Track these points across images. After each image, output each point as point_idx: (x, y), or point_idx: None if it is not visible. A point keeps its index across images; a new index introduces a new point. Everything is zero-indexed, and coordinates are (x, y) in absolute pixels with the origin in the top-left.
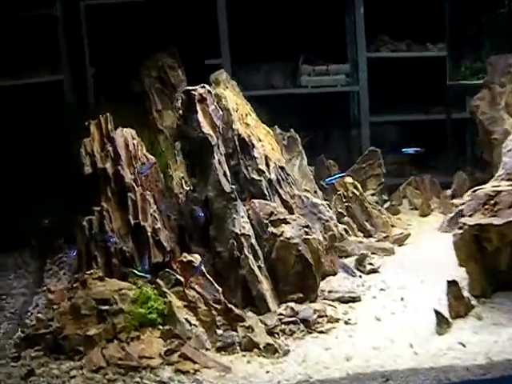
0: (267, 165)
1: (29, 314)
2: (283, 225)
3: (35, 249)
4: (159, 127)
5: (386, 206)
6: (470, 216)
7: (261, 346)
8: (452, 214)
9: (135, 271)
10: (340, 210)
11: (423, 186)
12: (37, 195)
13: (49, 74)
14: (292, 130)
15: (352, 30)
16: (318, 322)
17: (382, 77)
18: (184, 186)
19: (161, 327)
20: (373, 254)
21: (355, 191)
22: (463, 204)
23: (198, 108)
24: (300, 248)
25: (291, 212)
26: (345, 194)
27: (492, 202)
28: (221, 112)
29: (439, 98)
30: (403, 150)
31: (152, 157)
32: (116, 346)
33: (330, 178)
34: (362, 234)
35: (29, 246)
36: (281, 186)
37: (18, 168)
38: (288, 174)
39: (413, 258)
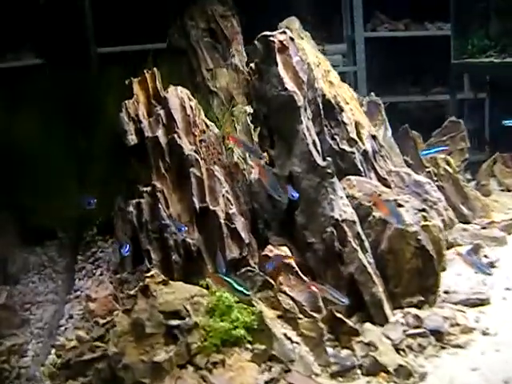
0: (358, 133)
1: (62, 329)
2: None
3: (63, 242)
4: (212, 89)
5: (472, 186)
6: None
7: (390, 369)
8: None
9: (234, 283)
10: None
11: None
12: (62, 175)
13: None
14: (373, 93)
15: (349, 10)
16: (450, 333)
17: (381, 57)
18: (248, 161)
19: (249, 346)
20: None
21: (448, 168)
22: None
23: (279, 59)
24: (420, 237)
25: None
26: (435, 171)
27: None
28: (306, 64)
29: (440, 78)
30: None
31: (212, 123)
32: (193, 374)
33: (427, 151)
34: (457, 220)
35: (55, 239)
36: (375, 160)
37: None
38: (381, 145)
39: None
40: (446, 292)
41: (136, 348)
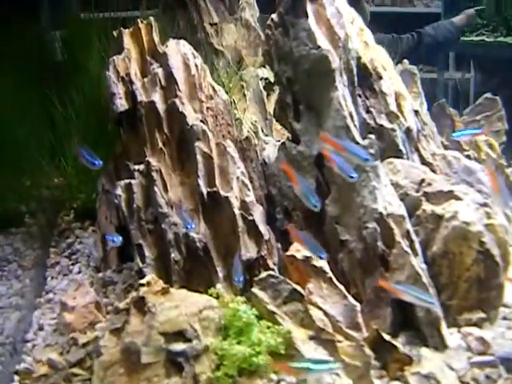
0: (399, 106)
1: (29, 345)
2: (453, 201)
3: (31, 230)
4: (217, 47)
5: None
6: None
7: None
8: None
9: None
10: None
11: None
12: (31, 147)
13: None
14: (406, 61)
15: None
16: None
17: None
18: (261, 135)
19: (274, 377)
20: None
21: (491, 152)
22: None
23: (310, 9)
24: (484, 239)
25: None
26: (475, 155)
27: None
28: (344, 18)
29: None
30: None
31: (220, 88)
32: None
33: (459, 133)
34: None
35: (21, 227)
36: (419, 140)
37: None
38: (425, 123)
39: None
40: (505, 305)
41: (129, 383)
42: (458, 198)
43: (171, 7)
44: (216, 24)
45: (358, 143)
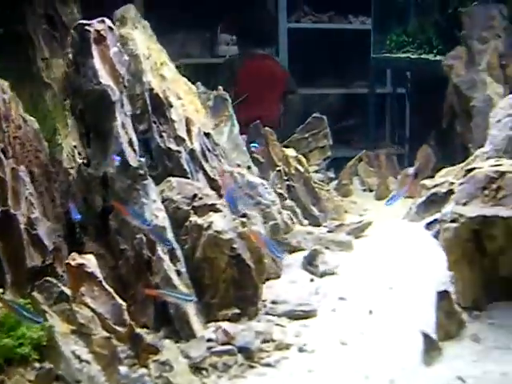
0: (189, 131)
1: None
2: (211, 213)
3: None
4: (45, 80)
5: (333, 185)
6: (465, 204)
7: None
8: (422, 199)
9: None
10: (280, 191)
11: (378, 163)
12: None
13: None
14: (221, 87)
15: (273, 0)
16: (263, 350)
17: (304, 48)
18: (77, 159)
19: (38, 365)
20: (326, 248)
21: (299, 167)
22: (436, 186)
23: (95, 50)
24: (235, 246)
25: (221, 194)
26: (286, 170)
27: (494, 185)
28: (126, 57)
29: (362, 72)
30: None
31: (32, 118)
32: None
33: (253, 144)
34: (307, 222)
35: None
36: (206, 160)
37: None
38: (216, 144)
39: (376, 255)
40: (273, 302)
41: None
42: (217, 210)
43: (16, 42)
44: (47, 58)
45: (130, 166)
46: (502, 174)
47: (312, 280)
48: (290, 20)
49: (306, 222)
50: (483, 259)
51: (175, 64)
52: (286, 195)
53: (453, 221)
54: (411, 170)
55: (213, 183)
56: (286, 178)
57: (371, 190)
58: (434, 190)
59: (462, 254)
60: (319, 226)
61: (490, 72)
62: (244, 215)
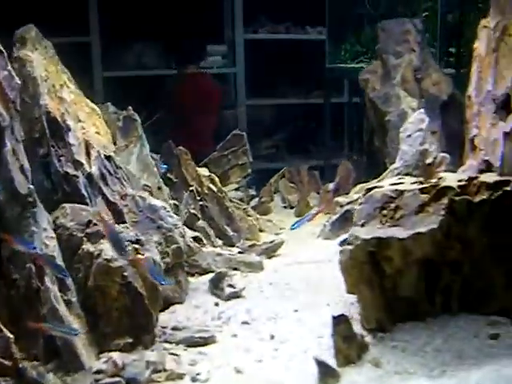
0: (88, 154)
1: None
2: (102, 240)
3: None
4: None
5: (253, 203)
6: (363, 225)
7: None
8: (336, 216)
9: None
10: (193, 212)
11: (299, 179)
12: None
13: None
14: (130, 107)
15: (230, 11)
16: (153, 381)
17: (261, 59)
18: None
19: None
20: (235, 270)
21: (212, 187)
22: (350, 203)
23: None
24: (126, 273)
25: (121, 219)
26: (199, 190)
27: (392, 205)
28: (18, 80)
29: (319, 82)
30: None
31: None
32: None
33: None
34: (221, 242)
35: None
36: (107, 184)
37: None
38: (118, 167)
39: (286, 276)
40: (174, 328)
41: None
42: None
43: None
44: None
45: (20, 194)
46: (401, 192)
47: (217, 304)
48: (248, 31)
49: (219, 242)
50: (383, 280)
51: None
52: (200, 215)
53: (349, 243)
54: (331, 186)
55: (113, 207)
56: (199, 198)
57: (292, 207)
58: (347, 207)
59: (360, 276)
60: (233, 246)
61: (404, 86)
62: (137, 241)
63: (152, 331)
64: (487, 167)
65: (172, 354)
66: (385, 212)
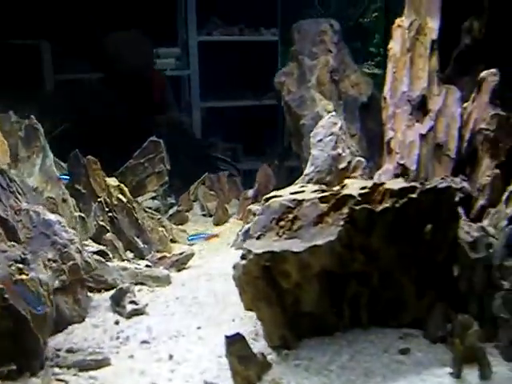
0: None
1: None
2: None
3: None
4: None
5: (172, 211)
6: (259, 238)
7: None
8: (248, 225)
9: None
10: (102, 224)
11: (220, 186)
12: None
13: None
14: (32, 116)
15: (183, 13)
16: None
17: (215, 61)
18: None
19: None
20: (142, 284)
21: (121, 197)
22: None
23: None
24: (6, 296)
25: (14, 236)
26: (107, 200)
27: (291, 216)
28: None
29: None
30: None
31: None
32: None
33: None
34: (132, 255)
35: None
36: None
37: None
38: (12, 180)
39: (194, 290)
40: (68, 351)
41: None
42: None
43: None
44: None
45: None
46: (300, 202)
47: (117, 322)
48: (202, 33)
49: (130, 255)
50: (282, 296)
51: None
52: (109, 227)
53: (243, 257)
54: (251, 192)
55: (4, 223)
56: (108, 209)
57: (211, 215)
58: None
59: (256, 293)
60: (143, 258)
61: (320, 88)
62: (23, 260)
63: (40, 357)
64: (403, 171)
65: (59, 380)
66: (282, 223)
